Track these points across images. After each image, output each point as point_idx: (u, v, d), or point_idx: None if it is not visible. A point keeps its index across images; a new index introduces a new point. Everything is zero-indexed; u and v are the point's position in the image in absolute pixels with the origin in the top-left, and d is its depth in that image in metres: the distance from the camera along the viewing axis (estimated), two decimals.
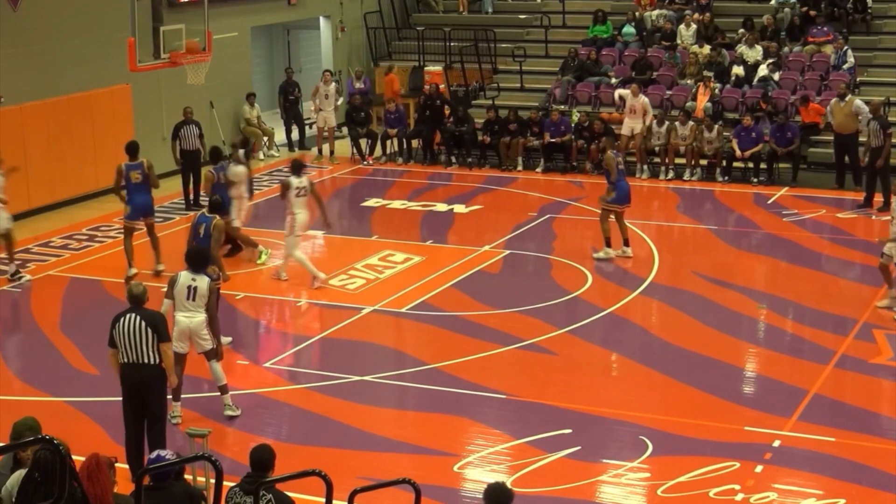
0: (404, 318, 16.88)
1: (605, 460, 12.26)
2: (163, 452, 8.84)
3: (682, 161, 24.91)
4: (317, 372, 15.01)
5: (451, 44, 29.79)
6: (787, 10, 29.16)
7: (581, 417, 13.30)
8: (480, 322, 16.54)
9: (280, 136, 28.73)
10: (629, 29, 29.72)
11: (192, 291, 12.99)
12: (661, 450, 12.48)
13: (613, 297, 17.44)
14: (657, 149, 25.15)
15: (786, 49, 28.17)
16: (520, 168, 25.90)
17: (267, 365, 15.13)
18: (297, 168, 18.18)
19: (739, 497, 11.43)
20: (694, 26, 29.05)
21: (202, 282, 13.04)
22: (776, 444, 12.60)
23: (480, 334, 16.01)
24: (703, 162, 25.10)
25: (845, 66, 27.30)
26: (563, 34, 30.60)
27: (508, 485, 11.49)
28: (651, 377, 14.61)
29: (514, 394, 14.02)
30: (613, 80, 28.21)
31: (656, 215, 22.32)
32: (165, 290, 13.25)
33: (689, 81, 27.43)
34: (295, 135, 28.60)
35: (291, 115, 28.50)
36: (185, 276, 13.08)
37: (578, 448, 12.46)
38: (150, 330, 11.60)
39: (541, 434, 12.81)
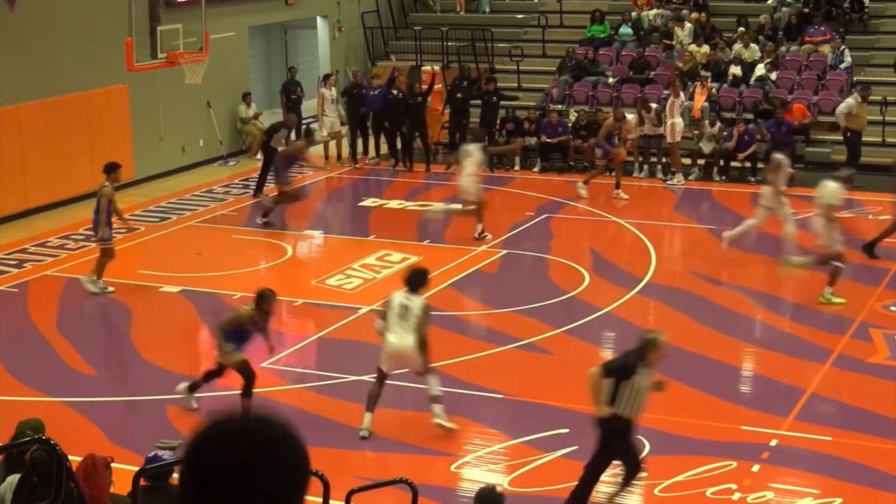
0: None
1: None
2: (161, 452, 8.83)
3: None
4: (314, 372, 15.02)
5: (449, 43, 29.80)
6: (784, 9, 29.19)
7: (578, 417, 13.24)
8: (477, 322, 16.55)
9: None
10: (626, 29, 29.74)
11: (404, 310, 12.82)
12: (658, 449, 12.47)
13: (610, 297, 17.44)
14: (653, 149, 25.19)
15: (783, 49, 28.19)
16: (517, 168, 25.90)
17: (264, 365, 15.09)
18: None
19: (736, 496, 11.44)
20: (690, 26, 29.07)
21: (416, 302, 12.87)
22: (773, 443, 12.61)
23: (477, 334, 16.02)
24: (701, 161, 25.13)
25: (842, 66, 27.33)
26: (560, 34, 30.61)
27: (506, 485, 11.59)
28: None
29: (512, 393, 14.02)
30: (611, 80, 28.23)
31: (654, 215, 22.32)
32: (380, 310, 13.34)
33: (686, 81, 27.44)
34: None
35: (293, 114, 28.43)
36: (399, 296, 12.92)
37: (575, 447, 12.45)
38: None
39: (538, 434, 12.81)
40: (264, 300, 13.13)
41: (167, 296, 17.83)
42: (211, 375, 13.51)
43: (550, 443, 12.62)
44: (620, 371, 10.53)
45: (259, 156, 25.07)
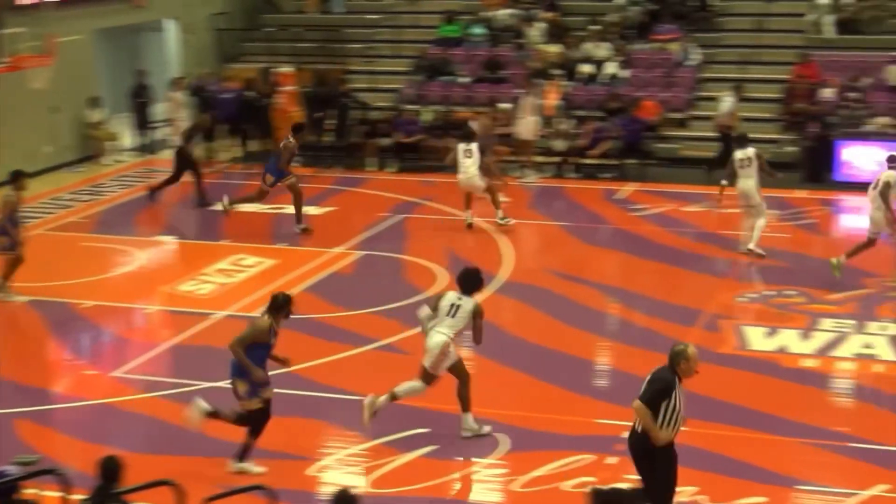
0: None
1: (460, 458, 12.29)
2: (9, 468, 8.60)
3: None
4: (168, 380, 14.75)
5: (302, 44, 29.61)
6: (633, 8, 29.62)
7: (437, 416, 13.28)
8: (334, 324, 16.44)
9: (128, 140, 28.22)
10: (478, 28, 29.89)
11: (454, 309, 12.71)
12: (516, 445, 12.54)
13: None
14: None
15: (633, 47, 28.61)
16: (372, 168, 25.85)
17: (115, 374, 14.81)
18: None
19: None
20: (542, 25, 29.33)
21: (467, 303, 12.72)
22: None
23: (335, 336, 15.92)
24: (554, 159, 25.38)
25: (690, 63, 27.87)
26: (413, 34, 30.66)
27: (366, 486, 11.53)
28: (505, 374, 14.68)
29: (370, 394, 13.93)
30: (464, 80, 28.36)
31: (508, 213, 22.43)
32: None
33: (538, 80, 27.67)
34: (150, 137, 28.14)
35: (141, 118, 27.99)
36: (451, 295, 12.83)
37: (435, 447, 12.45)
38: None
39: (396, 434, 12.77)
40: (286, 305, 12.17)
41: (14, 306, 17.38)
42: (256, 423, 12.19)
43: (410, 443, 12.59)
44: (662, 395, 10.15)
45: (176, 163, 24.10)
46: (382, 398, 12.89)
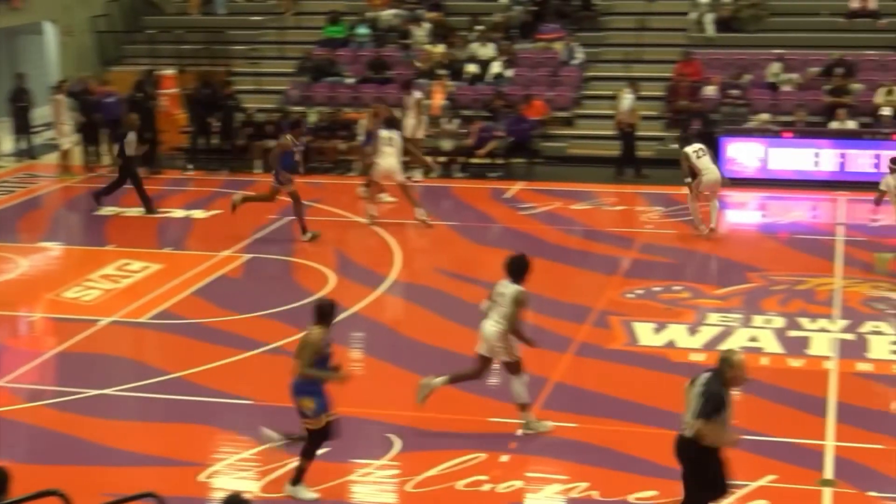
0: (145, 328, 16.46)
1: (353, 460, 12.22)
2: None
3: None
4: (53, 388, 14.46)
5: (184, 46, 29.29)
6: (517, 7, 29.79)
7: None
8: (224, 328, 16.26)
9: (8, 145, 27.64)
10: (363, 29, 29.83)
11: (500, 298, 12.58)
12: (409, 446, 12.51)
13: (356, 297, 17.41)
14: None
15: (517, 46, 28.77)
16: (258, 171, 25.65)
17: None
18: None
19: (487, 487, 11.56)
20: (428, 25, 29.37)
21: (509, 290, 12.51)
22: (520, 433, 12.79)
23: (224, 340, 15.74)
24: (442, 159, 25.42)
25: (574, 62, 28.11)
26: (297, 35, 30.50)
27: (257, 491, 11.42)
28: (397, 374, 14.64)
29: (261, 399, 13.82)
30: (350, 80, 28.29)
31: (396, 213, 22.41)
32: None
33: (424, 80, 27.71)
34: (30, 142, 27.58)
35: (21, 123, 27.41)
36: (500, 284, 12.68)
37: (327, 449, 12.34)
38: None
39: (288, 438, 12.64)
40: (333, 311, 11.60)
41: None
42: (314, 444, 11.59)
43: (301, 446, 12.46)
44: (719, 408, 9.85)
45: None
46: (439, 380, 12.91)
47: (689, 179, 20.17)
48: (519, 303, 12.53)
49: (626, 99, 24.96)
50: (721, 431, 9.89)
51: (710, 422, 9.81)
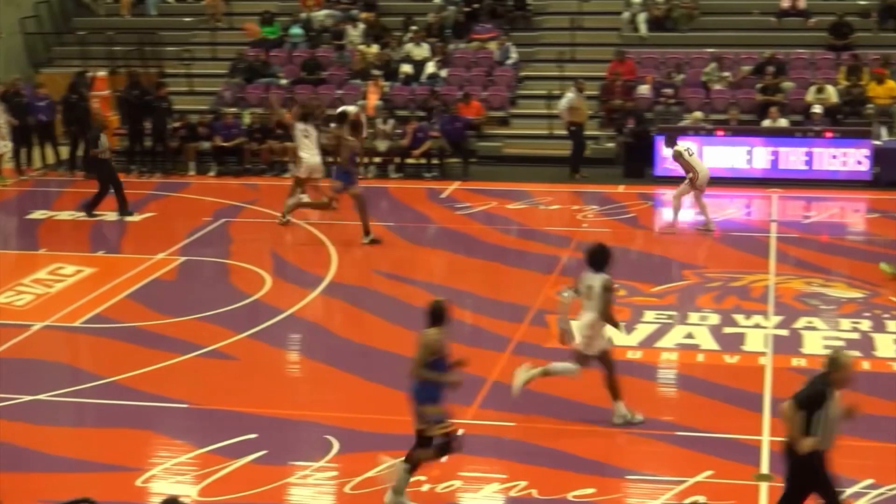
0: (78, 333, 16.29)
1: (291, 462, 12.15)
2: None
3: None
4: None
5: (116, 48, 29.03)
6: (451, 7, 29.81)
7: (266, 421, 13.13)
8: (159, 331, 16.13)
9: None
10: (297, 30, 29.72)
11: (589, 290, 12.72)
12: (348, 447, 12.46)
13: (293, 299, 17.34)
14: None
15: (452, 46, 28.79)
16: (192, 173, 25.49)
17: None
18: None
19: (426, 487, 11.54)
20: (362, 25, 29.32)
21: (596, 280, 12.64)
22: (459, 432, 12.76)
23: (159, 344, 15.61)
24: (377, 159, 25.38)
25: (509, 62, 28.17)
26: (230, 36, 30.33)
27: (194, 495, 11.33)
28: (334, 375, 14.59)
29: (197, 402, 13.73)
30: (284, 81, 28.17)
31: (333, 214, 22.35)
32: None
33: (358, 80, 27.68)
34: None
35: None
36: (586, 276, 12.81)
37: (264, 452, 12.30)
38: None
39: (225, 441, 12.57)
40: (446, 311, 11.23)
41: None
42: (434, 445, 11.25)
43: (239, 449, 12.40)
44: (814, 400, 9.53)
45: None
46: (535, 371, 12.98)
47: (691, 175, 20.24)
48: (608, 290, 12.79)
49: (567, 97, 25.03)
50: (802, 426, 9.51)
51: (798, 409, 9.52)
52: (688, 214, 21.13)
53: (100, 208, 22.04)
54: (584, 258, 13.04)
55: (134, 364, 14.82)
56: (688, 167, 20.31)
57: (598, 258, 12.86)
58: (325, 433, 12.78)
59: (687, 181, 20.35)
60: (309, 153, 21.13)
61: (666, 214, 21.86)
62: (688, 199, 20.71)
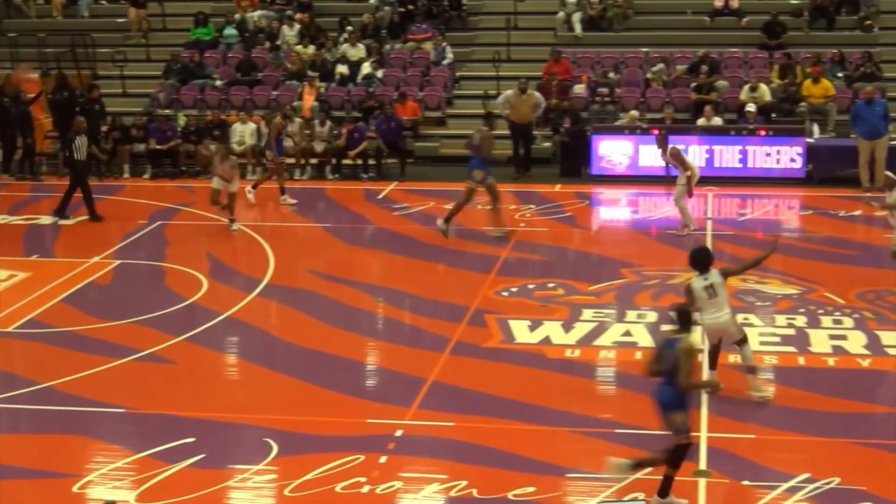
0: (11, 338, 16.07)
1: (230, 465, 12.06)
2: None
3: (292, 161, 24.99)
4: None
5: (48, 50, 28.71)
6: (386, 8, 29.78)
7: (204, 425, 13.04)
8: (94, 336, 15.97)
9: None
10: (231, 30, 29.57)
11: (710, 290, 13.04)
12: (287, 450, 12.39)
13: (230, 301, 17.23)
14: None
15: (387, 47, 28.77)
16: (126, 175, 25.28)
17: None
18: None
19: (366, 489, 11.51)
20: (298, 26, 29.22)
21: (716, 277, 13.08)
22: (399, 433, 12.76)
23: (95, 348, 15.45)
24: (314, 161, 25.30)
25: (445, 62, 28.19)
26: (164, 37, 30.14)
27: (132, 500, 11.23)
28: (273, 378, 14.51)
29: (134, 407, 13.60)
30: (218, 83, 28.02)
31: (270, 216, 22.26)
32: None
33: (294, 81, 27.57)
34: None
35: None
36: (697, 281, 13.10)
37: (202, 456, 12.21)
38: None
39: (163, 445, 12.45)
40: (692, 314, 11.39)
41: None
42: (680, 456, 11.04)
43: (177, 453, 12.29)
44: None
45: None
46: (751, 362, 13.63)
47: (688, 173, 20.22)
48: (728, 276, 13.47)
49: (505, 95, 25.07)
50: None
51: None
52: (619, 212, 21.24)
53: (30, 211, 21.80)
54: (690, 263, 13.39)
55: (69, 369, 14.65)
56: (684, 166, 20.26)
57: (703, 260, 13.33)
58: (263, 436, 12.70)
59: (684, 181, 20.26)
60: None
61: (604, 213, 21.96)
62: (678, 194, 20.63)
